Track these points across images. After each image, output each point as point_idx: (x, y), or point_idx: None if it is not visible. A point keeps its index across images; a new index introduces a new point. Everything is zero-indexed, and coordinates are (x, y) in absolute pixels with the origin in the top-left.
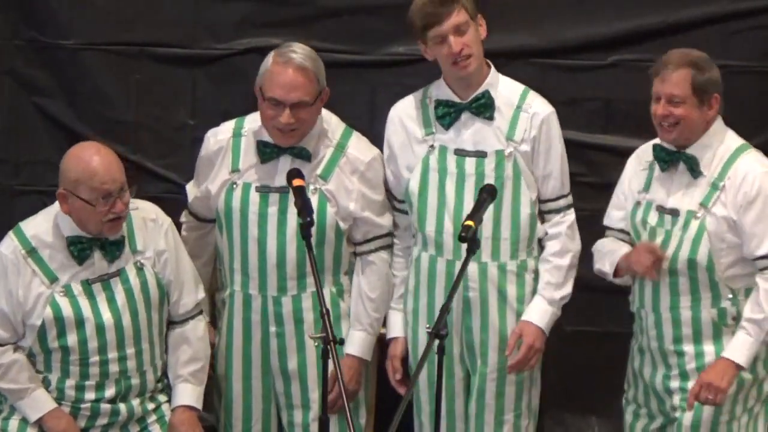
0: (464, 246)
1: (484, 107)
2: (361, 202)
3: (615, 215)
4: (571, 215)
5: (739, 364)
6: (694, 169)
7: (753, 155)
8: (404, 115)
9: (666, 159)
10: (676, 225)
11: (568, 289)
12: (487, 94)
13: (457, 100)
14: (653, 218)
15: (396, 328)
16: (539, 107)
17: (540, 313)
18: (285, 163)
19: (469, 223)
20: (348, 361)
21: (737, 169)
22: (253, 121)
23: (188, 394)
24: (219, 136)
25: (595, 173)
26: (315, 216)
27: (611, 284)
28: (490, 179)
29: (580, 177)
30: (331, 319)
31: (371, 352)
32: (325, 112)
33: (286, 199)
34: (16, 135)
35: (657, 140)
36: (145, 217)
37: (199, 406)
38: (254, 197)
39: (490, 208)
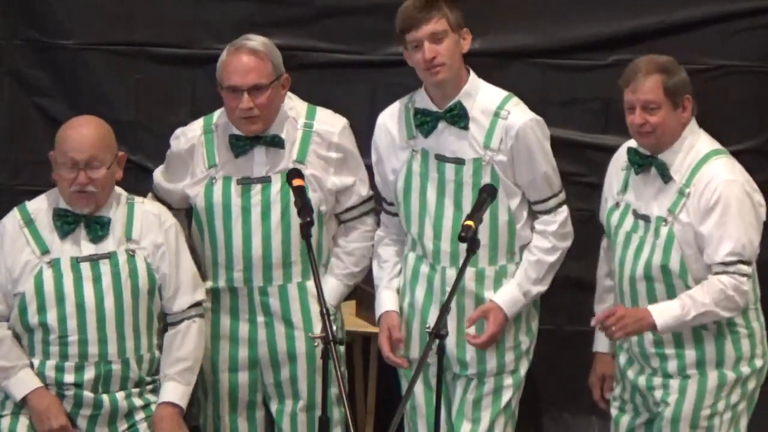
0: (445, 251)
1: (458, 117)
2: (343, 169)
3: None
4: (562, 213)
5: (655, 324)
6: (664, 174)
7: (721, 161)
8: (389, 120)
9: (640, 163)
10: (649, 231)
11: (545, 285)
12: (459, 105)
13: (434, 108)
14: (629, 223)
15: (388, 303)
16: (516, 116)
17: (512, 301)
18: (260, 154)
19: (469, 223)
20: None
21: (702, 176)
22: (221, 116)
23: (172, 391)
24: (189, 134)
25: (595, 173)
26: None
27: (611, 285)
28: (468, 186)
29: (580, 177)
30: (331, 318)
31: (342, 299)
32: (287, 98)
33: (268, 189)
34: (16, 135)
35: (632, 142)
36: (148, 210)
37: (183, 404)
38: (236, 190)
39: (464, 214)
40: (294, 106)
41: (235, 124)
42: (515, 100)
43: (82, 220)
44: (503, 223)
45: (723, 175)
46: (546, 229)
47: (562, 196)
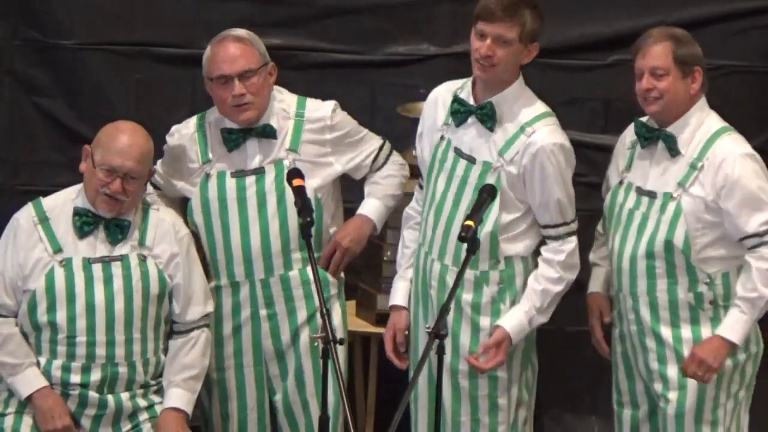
0: (437, 243)
1: (486, 117)
2: (346, 147)
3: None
4: (570, 243)
5: (733, 342)
6: (672, 148)
7: (733, 137)
8: (440, 99)
9: (646, 136)
10: (653, 207)
11: (547, 316)
12: (489, 105)
13: (471, 102)
14: (631, 200)
15: (398, 296)
16: (540, 136)
17: (519, 328)
18: (253, 146)
19: (469, 222)
20: (358, 221)
21: (716, 151)
22: (213, 113)
23: (177, 397)
24: (183, 131)
25: (595, 173)
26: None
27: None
28: (471, 186)
29: (580, 177)
30: (330, 319)
31: (383, 221)
32: (276, 89)
33: (262, 180)
34: (16, 135)
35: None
36: (162, 218)
37: (188, 410)
38: (230, 183)
39: (460, 213)
40: (284, 98)
41: (227, 115)
42: (549, 120)
43: (102, 221)
44: (485, 233)
45: (738, 149)
46: (553, 258)
47: (574, 226)
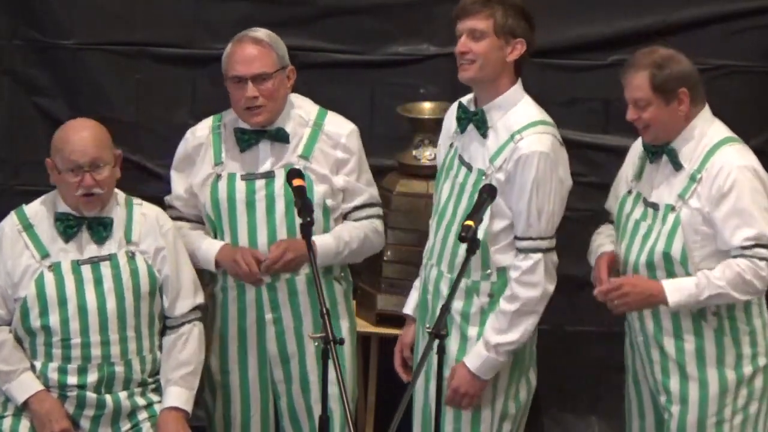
0: (436, 248)
1: (479, 123)
2: (346, 171)
3: (613, 202)
4: (530, 260)
5: (668, 302)
6: (675, 162)
7: (734, 147)
8: (455, 107)
9: (653, 150)
10: (657, 219)
11: (512, 336)
12: (480, 112)
13: (472, 108)
14: (638, 211)
15: (409, 304)
16: (526, 144)
17: (474, 356)
18: (265, 148)
19: (469, 222)
20: (299, 243)
21: (714, 162)
22: (229, 114)
23: (176, 396)
24: (198, 133)
25: (595, 173)
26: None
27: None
28: (467, 194)
29: (580, 177)
30: (330, 319)
31: (328, 261)
32: (296, 96)
33: (272, 184)
34: (16, 135)
35: None
36: (146, 213)
37: (188, 408)
38: (240, 186)
39: (456, 220)
40: (303, 106)
41: (240, 116)
42: (540, 128)
43: (85, 222)
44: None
45: (736, 161)
46: (510, 275)
47: (542, 243)
